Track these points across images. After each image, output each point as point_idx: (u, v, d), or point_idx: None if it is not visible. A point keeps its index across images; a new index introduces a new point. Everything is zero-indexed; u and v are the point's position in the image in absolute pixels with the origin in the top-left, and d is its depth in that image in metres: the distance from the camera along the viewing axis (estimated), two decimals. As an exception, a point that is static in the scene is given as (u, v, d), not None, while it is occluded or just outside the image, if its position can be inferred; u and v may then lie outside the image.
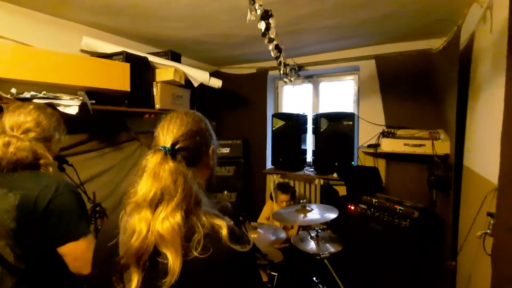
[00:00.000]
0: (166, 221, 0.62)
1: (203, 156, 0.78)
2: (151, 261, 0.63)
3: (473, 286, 1.64)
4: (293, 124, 3.19)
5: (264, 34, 1.61)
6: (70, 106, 1.68)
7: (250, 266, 0.69)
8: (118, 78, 1.95)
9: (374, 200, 2.35)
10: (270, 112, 3.58)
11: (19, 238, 0.94)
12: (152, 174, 0.65)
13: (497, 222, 1.17)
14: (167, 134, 0.73)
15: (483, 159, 1.58)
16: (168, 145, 0.70)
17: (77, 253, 0.99)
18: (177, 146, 0.71)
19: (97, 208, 1.74)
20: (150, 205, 0.64)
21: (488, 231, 1.26)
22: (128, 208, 0.67)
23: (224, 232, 0.64)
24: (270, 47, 1.80)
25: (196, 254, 0.61)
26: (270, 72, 3.44)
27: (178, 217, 0.62)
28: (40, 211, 0.94)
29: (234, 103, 3.64)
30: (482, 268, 1.43)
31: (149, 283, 0.62)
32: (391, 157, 2.75)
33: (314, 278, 1.99)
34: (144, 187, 0.64)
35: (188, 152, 0.72)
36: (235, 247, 0.63)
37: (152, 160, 0.67)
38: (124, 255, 0.63)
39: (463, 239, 1.78)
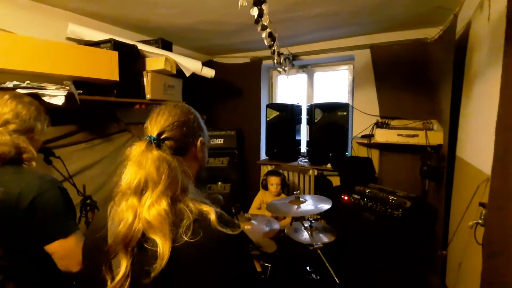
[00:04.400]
0: (153, 207, 0.62)
1: (191, 147, 0.78)
2: (139, 247, 0.62)
3: (463, 274, 1.67)
4: (287, 115, 3.16)
5: (257, 21, 1.56)
6: (56, 96, 1.61)
7: (242, 248, 0.69)
8: (106, 67, 1.88)
9: (367, 190, 2.36)
10: (264, 102, 3.54)
11: (0, 236, 0.90)
12: (136, 162, 0.66)
13: (489, 212, 1.17)
14: (154, 125, 0.74)
15: (476, 150, 1.58)
16: (154, 134, 0.71)
17: (65, 251, 0.96)
18: (162, 136, 0.72)
19: (88, 201, 1.71)
20: (135, 193, 0.64)
21: (480, 221, 1.27)
22: (116, 198, 0.67)
23: (213, 217, 0.63)
24: (264, 35, 1.74)
25: (186, 238, 0.60)
26: (264, 62, 3.38)
27: (164, 204, 0.62)
28: (23, 209, 0.90)
29: (228, 93, 3.59)
30: (472, 257, 1.45)
31: (138, 269, 0.61)
32: (385, 148, 2.76)
33: (308, 268, 2.01)
34: (128, 175, 0.65)
35: (174, 142, 0.73)
36: (226, 230, 0.63)
37: (136, 148, 0.68)
38: (112, 243, 0.63)
39: (454, 228, 1.80)
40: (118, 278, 0.61)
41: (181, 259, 0.60)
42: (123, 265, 0.61)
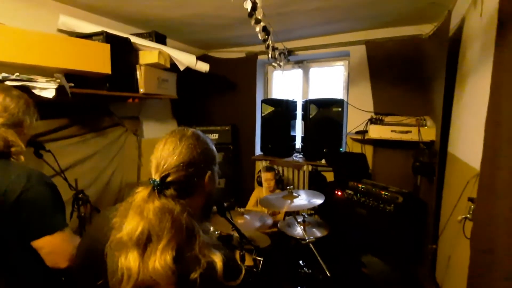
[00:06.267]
0: (157, 264, 0.60)
1: (197, 187, 0.74)
2: None
3: (452, 267, 1.70)
4: (283, 110, 3.16)
5: (250, 15, 1.54)
6: (47, 89, 1.59)
7: None
8: (98, 60, 1.85)
9: (360, 186, 2.38)
10: (259, 97, 3.53)
11: None
12: (138, 211, 0.64)
13: (477, 207, 1.19)
14: (159, 162, 0.70)
15: (466, 146, 1.60)
16: (158, 178, 0.68)
17: (52, 247, 0.95)
18: (167, 180, 0.68)
19: (80, 195, 1.70)
20: (137, 245, 0.62)
21: (468, 215, 1.29)
22: (114, 242, 0.65)
23: (219, 266, 0.64)
24: (257, 29, 1.73)
25: None
26: (260, 57, 3.36)
27: (168, 259, 0.61)
28: (10, 204, 0.89)
29: (223, 88, 3.57)
30: (461, 251, 1.47)
31: None
32: (379, 144, 2.78)
33: (300, 262, 2.03)
34: (130, 225, 0.63)
35: (179, 185, 0.69)
36: (230, 283, 0.65)
37: (139, 195, 0.66)
38: None
39: (444, 223, 1.83)
40: None
41: None
42: None
